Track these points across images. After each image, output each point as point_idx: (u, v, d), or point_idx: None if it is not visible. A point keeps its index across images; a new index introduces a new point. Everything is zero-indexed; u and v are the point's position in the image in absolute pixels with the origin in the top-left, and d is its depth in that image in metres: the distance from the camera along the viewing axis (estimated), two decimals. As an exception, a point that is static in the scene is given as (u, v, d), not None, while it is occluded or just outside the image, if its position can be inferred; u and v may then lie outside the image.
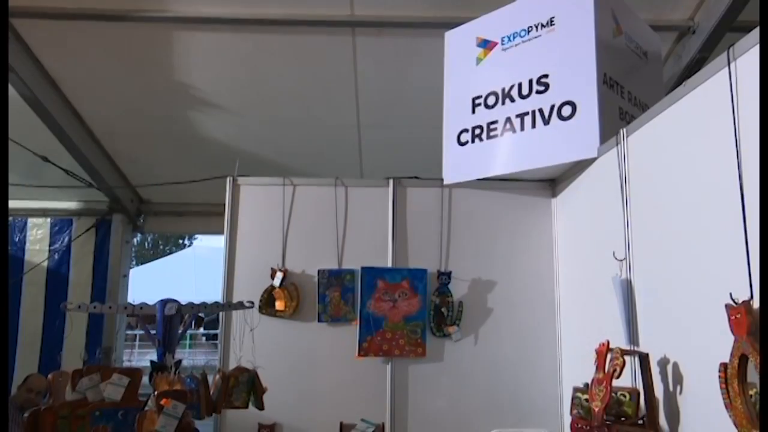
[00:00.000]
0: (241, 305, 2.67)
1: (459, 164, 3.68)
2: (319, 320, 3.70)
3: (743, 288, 1.75)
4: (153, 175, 5.26)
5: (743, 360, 1.76)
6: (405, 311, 3.65)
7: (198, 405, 2.18)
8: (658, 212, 2.45)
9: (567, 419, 3.02)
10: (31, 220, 5.58)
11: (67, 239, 5.54)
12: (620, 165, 2.73)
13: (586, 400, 2.39)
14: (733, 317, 1.74)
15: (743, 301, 1.71)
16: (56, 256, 5.50)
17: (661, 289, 2.39)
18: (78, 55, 4.45)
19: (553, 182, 3.78)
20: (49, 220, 5.60)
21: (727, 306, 1.76)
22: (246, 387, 2.40)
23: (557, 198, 3.77)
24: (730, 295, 1.74)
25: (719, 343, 1.84)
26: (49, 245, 5.56)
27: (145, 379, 2.07)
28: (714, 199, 2.03)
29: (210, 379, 2.50)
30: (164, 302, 2.18)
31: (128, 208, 5.58)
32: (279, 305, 3.54)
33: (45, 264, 5.46)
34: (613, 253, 2.67)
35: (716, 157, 2.00)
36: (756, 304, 1.71)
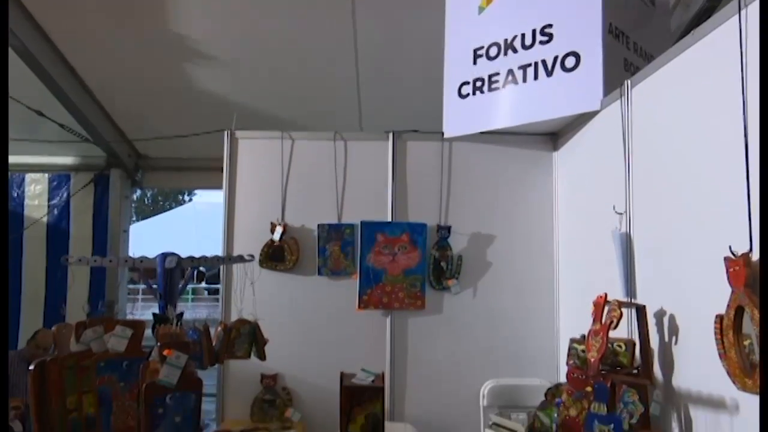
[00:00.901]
0: (241, 259, 2.68)
1: (459, 117, 3.63)
2: (319, 274, 3.73)
3: (742, 242, 1.75)
4: (150, 129, 5.20)
5: (739, 311, 1.78)
6: (404, 265, 3.68)
7: (200, 355, 2.22)
8: (660, 165, 2.43)
9: (563, 369, 3.07)
10: (29, 176, 5.56)
11: (65, 194, 5.52)
12: (624, 117, 2.70)
13: (583, 350, 2.43)
14: (731, 269, 1.75)
15: (742, 254, 1.71)
16: (56, 212, 5.50)
17: (660, 242, 2.39)
18: (69, 5, 4.33)
19: (554, 136, 3.74)
20: (47, 175, 5.57)
21: (726, 258, 1.77)
22: (247, 338, 2.44)
23: (558, 152, 3.74)
24: (730, 247, 1.75)
25: (715, 296, 1.86)
26: (48, 201, 5.55)
27: (149, 332, 2.10)
28: (718, 152, 2.00)
29: (212, 331, 2.53)
30: (164, 255, 2.20)
31: (126, 163, 5.54)
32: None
33: (45, 219, 5.46)
34: (613, 207, 2.67)
35: (722, 109, 1.97)
36: (755, 256, 1.71)
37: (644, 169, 2.56)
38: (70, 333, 2.11)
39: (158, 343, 1.86)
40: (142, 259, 2.31)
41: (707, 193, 2.06)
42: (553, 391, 2.69)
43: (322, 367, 3.54)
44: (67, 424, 1.95)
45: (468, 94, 3.54)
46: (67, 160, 5.59)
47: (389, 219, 3.76)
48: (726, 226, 1.89)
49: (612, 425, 2.03)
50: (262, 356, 2.52)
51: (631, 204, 2.62)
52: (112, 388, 2.00)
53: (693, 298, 2.11)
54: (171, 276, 2.21)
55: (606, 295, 2.31)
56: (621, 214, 2.64)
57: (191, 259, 2.33)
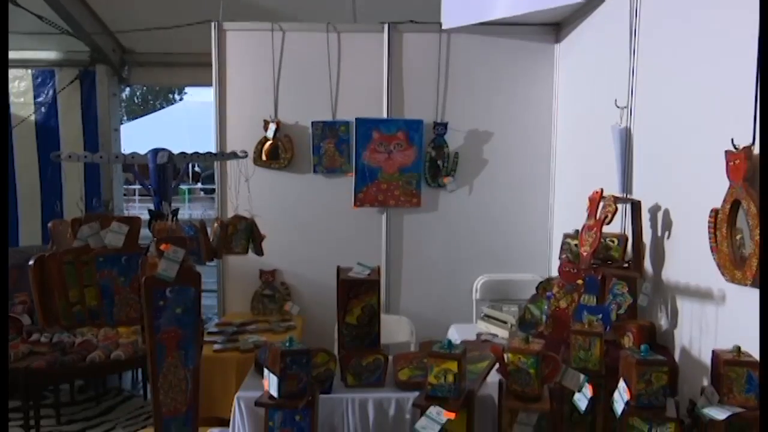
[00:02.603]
0: (234, 155, 2.64)
1: (458, 7, 3.44)
2: (314, 172, 3.71)
3: (744, 137, 1.72)
4: (133, 21, 4.94)
5: (735, 206, 1.78)
6: (400, 162, 3.65)
7: (198, 251, 2.24)
8: (666, 58, 2.33)
9: (555, 264, 3.14)
10: (12, 72, 5.34)
11: (51, 92, 5.34)
12: (632, 5, 2.56)
13: (576, 245, 2.46)
14: (731, 163, 1.73)
15: (744, 147, 1.68)
16: (43, 110, 5.34)
17: (660, 137, 2.35)
18: None
19: (557, 26, 3.58)
20: (30, 71, 5.36)
21: (726, 152, 1.74)
22: (244, 234, 2.45)
23: (561, 44, 3.59)
24: (732, 140, 1.71)
25: (712, 191, 1.86)
26: (34, 98, 5.38)
27: (147, 233, 2.10)
28: (727, 45, 1.91)
29: (209, 230, 2.54)
30: (156, 151, 2.15)
31: (111, 58, 5.31)
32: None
33: (33, 118, 5.33)
34: (615, 101, 2.60)
35: (735, 2, 1.86)
36: (756, 149, 1.68)
37: (650, 62, 2.46)
38: (67, 229, 2.10)
39: (155, 239, 1.86)
40: (134, 155, 2.26)
41: (713, 88, 1.99)
42: (545, 285, 2.75)
43: (318, 263, 3.61)
44: (72, 316, 2.00)
45: (468, -19, 3.34)
46: (50, 54, 5.35)
47: (385, 115, 3.68)
48: (729, 121, 1.85)
49: (600, 315, 2.10)
50: (259, 252, 2.55)
51: (634, 98, 2.55)
52: (112, 282, 2.02)
53: (689, 193, 2.11)
54: (163, 172, 2.17)
55: (602, 190, 2.30)
56: (622, 108, 2.58)
57: (183, 155, 2.29)
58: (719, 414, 1.51)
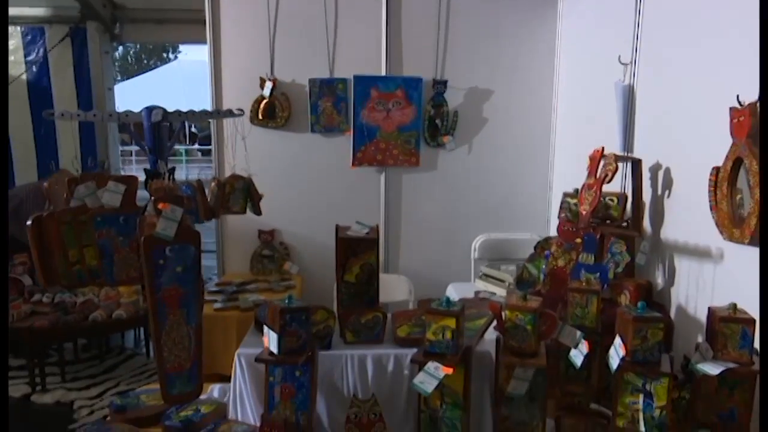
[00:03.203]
0: (230, 113, 2.60)
1: (459, -40, 3.35)
2: (311, 131, 3.67)
3: (749, 95, 1.69)
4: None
5: (736, 164, 1.77)
6: (399, 121, 3.60)
7: (196, 210, 2.23)
8: (672, 14, 2.28)
9: (554, 223, 3.15)
10: (0, 29, 5.22)
11: (42, 50, 5.22)
12: (637, -43, 2.48)
13: (575, 204, 2.46)
14: (735, 120, 1.71)
15: (749, 104, 1.66)
16: (34, 69, 5.24)
17: (663, 94, 2.32)
18: None
19: (560, -20, 3.49)
20: (18, 28, 5.23)
21: (731, 109, 1.72)
22: (242, 193, 2.44)
23: (564, -1, 3.51)
24: (737, 97, 1.69)
25: (713, 150, 1.84)
26: (25, 57, 5.27)
27: (144, 194, 2.08)
28: (734, 1, 1.87)
29: (206, 190, 2.52)
30: (150, 109, 2.12)
31: (102, 14, 5.18)
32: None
33: (24, 77, 5.23)
34: (618, 57, 2.56)
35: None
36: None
37: (655, 17, 2.40)
38: (63, 189, 2.08)
39: (152, 198, 1.85)
40: (128, 113, 2.23)
41: (719, 45, 1.95)
42: (543, 244, 2.76)
43: (317, 223, 3.62)
44: (72, 276, 2.00)
45: (469, -68, 3.23)
46: (39, 11, 5.21)
47: (383, 73, 3.61)
48: (734, 78, 1.82)
49: (598, 274, 2.11)
50: (257, 211, 2.54)
51: (638, 54, 2.50)
52: (111, 242, 2.02)
53: (691, 151, 2.09)
54: (158, 131, 2.14)
55: (603, 148, 2.28)
56: (626, 64, 2.54)
57: (178, 113, 2.25)
58: (713, 369, 1.53)
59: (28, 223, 1.90)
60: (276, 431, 1.53)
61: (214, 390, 2.23)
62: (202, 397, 2.11)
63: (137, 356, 4.10)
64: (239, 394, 1.97)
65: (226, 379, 2.24)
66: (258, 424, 1.76)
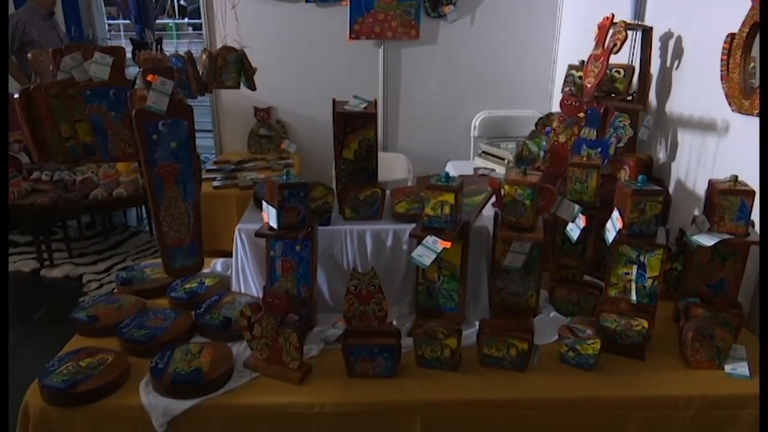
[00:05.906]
0: (218, -21, 2.42)
1: None
2: (306, 0, 3.45)
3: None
4: None
5: (753, 30, 1.68)
6: (398, -11, 3.39)
7: (188, 84, 2.15)
8: None
9: (557, 100, 3.06)
10: None
11: None
12: None
13: (580, 77, 2.37)
14: (758, -19, 1.59)
15: (775, -38, 1.54)
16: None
17: (683, -45, 2.15)
18: None
19: None
20: None
21: (755, -32, 1.60)
22: (235, 67, 2.33)
23: None
24: (763, -46, 1.56)
25: (728, 17, 1.74)
26: None
27: (135, 69, 1.99)
28: None
29: (198, 65, 2.41)
30: (132, -26, 1.97)
31: None
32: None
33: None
34: None
35: None
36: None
37: None
38: (49, 61, 1.99)
39: (141, 69, 1.77)
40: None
41: None
42: (544, 121, 2.70)
43: (313, 100, 3.51)
44: (66, 151, 1.97)
45: None
46: None
47: (381, -66, 3.34)
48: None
49: (599, 149, 2.08)
50: (251, 86, 2.44)
51: None
52: (104, 117, 1.96)
53: (706, 18, 1.98)
54: (144, 0, 2.01)
55: (612, 16, 2.15)
56: None
57: (162, -22, 2.10)
58: (707, 240, 1.55)
59: (16, 96, 1.84)
60: (279, 301, 1.58)
61: (216, 264, 2.28)
62: (206, 270, 2.17)
63: (141, 233, 4.19)
64: (241, 268, 2.02)
65: (228, 255, 2.28)
66: (261, 296, 1.82)
